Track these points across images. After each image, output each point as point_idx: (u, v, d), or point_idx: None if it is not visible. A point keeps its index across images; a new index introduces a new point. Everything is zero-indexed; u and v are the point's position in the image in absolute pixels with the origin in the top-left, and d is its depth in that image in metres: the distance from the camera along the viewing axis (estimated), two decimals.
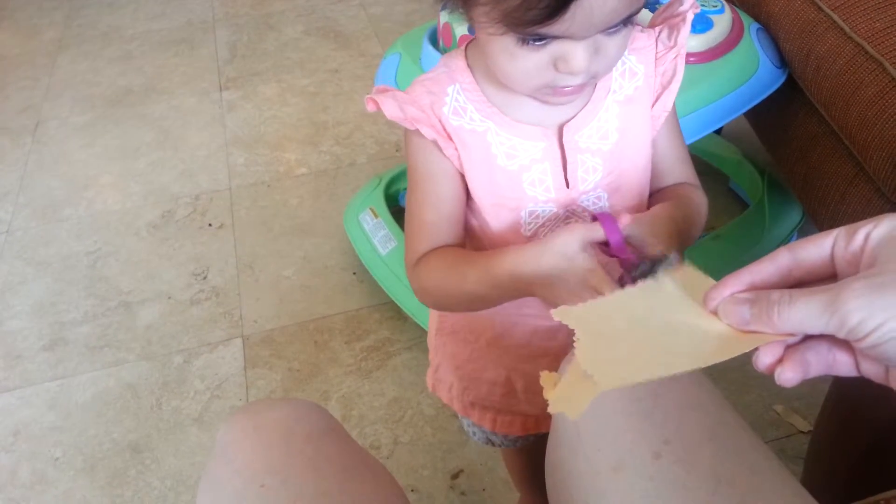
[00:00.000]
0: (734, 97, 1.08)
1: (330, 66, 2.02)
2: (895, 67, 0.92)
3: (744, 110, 1.10)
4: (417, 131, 0.56)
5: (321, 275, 1.38)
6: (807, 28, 1.07)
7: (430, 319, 0.75)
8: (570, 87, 0.50)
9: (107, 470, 1.10)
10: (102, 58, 2.17)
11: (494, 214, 0.58)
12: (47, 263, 1.48)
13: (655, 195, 0.61)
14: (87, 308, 1.36)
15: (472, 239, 0.63)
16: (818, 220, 1.11)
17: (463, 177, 0.58)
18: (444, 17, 1.16)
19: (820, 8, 1.05)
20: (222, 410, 1.16)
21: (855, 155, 1.00)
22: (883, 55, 0.94)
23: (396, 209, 1.39)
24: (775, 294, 0.36)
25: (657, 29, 0.58)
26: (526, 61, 0.48)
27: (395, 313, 1.26)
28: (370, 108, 0.56)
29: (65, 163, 1.76)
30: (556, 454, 0.53)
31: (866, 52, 0.96)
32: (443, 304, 0.62)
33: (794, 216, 1.30)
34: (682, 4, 0.56)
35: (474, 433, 0.79)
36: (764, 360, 0.38)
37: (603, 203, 0.59)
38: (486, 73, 0.56)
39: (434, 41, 1.19)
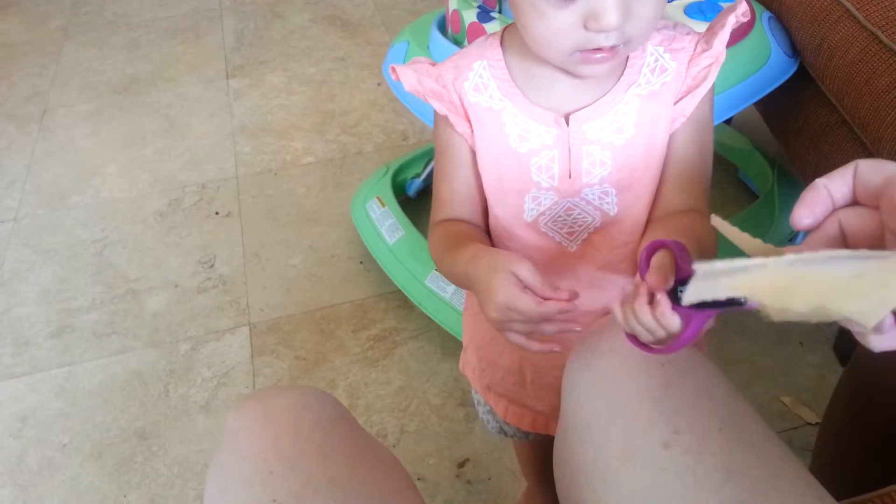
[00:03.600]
0: (745, 86, 1.07)
1: (337, 54, 2.01)
2: None
3: (755, 100, 1.09)
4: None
5: (328, 264, 1.38)
6: (819, 17, 1.05)
7: (466, 298, 0.76)
8: (602, 51, 0.49)
9: (114, 456, 1.10)
10: (109, 45, 2.17)
11: (500, 196, 0.58)
12: (54, 251, 1.48)
13: (662, 219, 0.57)
14: (95, 295, 1.37)
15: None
16: None
17: (475, 155, 0.58)
18: (452, 4, 1.15)
19: None
20: (229, 398, 1.16)
21: (867, 145, 0.99)
22: None
23: (404, 198, 1.39)
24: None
25: (700, 34, 0.56)
26: (555, 20, 0.47)
27: (402, 302, 1.26)
28: (392, 77, 0.57)
29: (71, 150, 1.76)
30: (566, 444, 0.52)
31: (880, 41, 0.95)
32: (440, 272, 0.64)
33: None
34: (731, 11, 0.54)
35: (488, 421, 0.79)
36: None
37: (610, 199, 0.57)
38: (518, 52, 0.56)
39: (442, 28, 1.18)
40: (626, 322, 0.42)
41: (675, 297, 0.40)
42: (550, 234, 0.59)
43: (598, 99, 0.55)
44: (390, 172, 1.41)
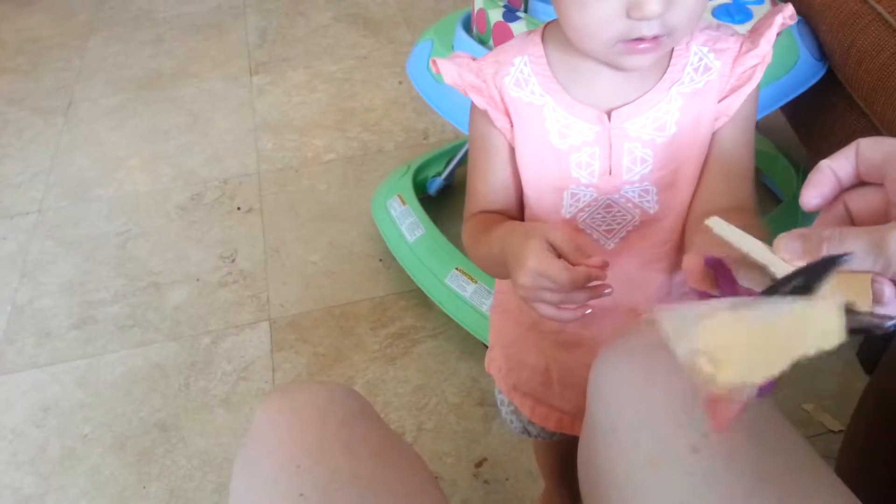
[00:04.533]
0: (772, 90, 1.06)
1: (359, 52, 2.02)
2: None
3: (782, 103, 1.08)
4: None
5: (347, 261, 1.39)
6: (849, 20, 1.04)
7: (495, 296, 0.76)
8: (645, 41, 0.48)
9: (135, 448, 1.11)
10: (134, 41, 2.19)
11: (537, 191, 0.58)
12: (77, 243, 1.49)
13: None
14: (117, 288, 1.38)
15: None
16: None
17: (513, 150, 0.58)
18: (478, 4, 1.15)
19: (865, 0, 1.03)
20: (248, 392, 1.17)
21: None
22: None
23: (424, 197, 1.39)
24: (827, 231, 0.35)
25: (745, 35, 0.55)
26: (597, 9, 0.47)
27: (421, 301, 1.26)
28: (433, 70, 0.57)
29: (95, 144, 1.78)
30: (591, 446, 0.52)
31: None
32: (476, 263, 0.63)
33: None
34: (777, 12, 0.54)
35: (512, 421, 0.79)
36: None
37: (651, 197, 0.57)
38: (559, 48, 0.56)
39: (467, 28, 1.18)
40: None
41: None
42: (588, 230, 0.59)
43: (640, 96, 0.55)
44: (411, 171, 1.41)
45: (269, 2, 2.31)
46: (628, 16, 0.47)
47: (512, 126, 0.57)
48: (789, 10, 0.54)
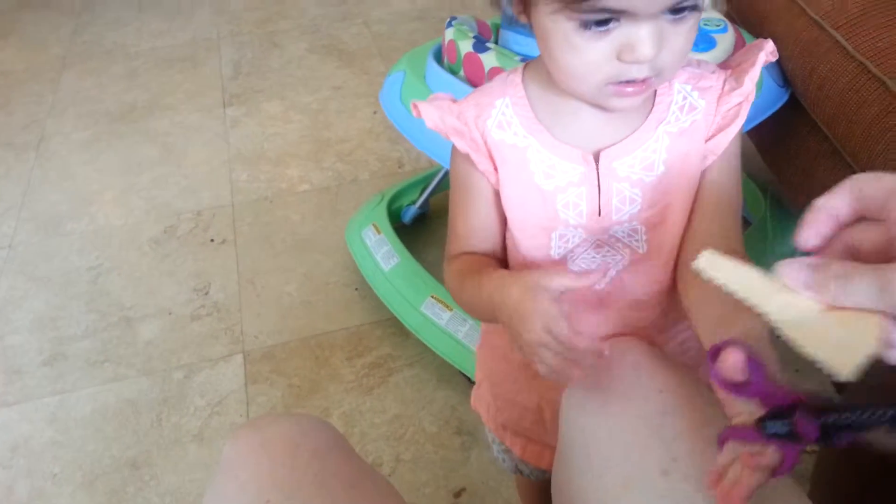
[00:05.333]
0: None
1: (333, 83, 2.03)
2: None
3: (748, 128, 1.10)
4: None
5: (323, 291, 1.38)
6: (809, 47, 1.07)
7: (482, 333, 0.75)
8: (634, 84, 0.48)
9: (105, 486, 1.09)
10: (107, 74, 2.19)
11: (525, 233, 0.58)
12: (48, 278, 1.47)
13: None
14: (88, 323, 1.36)
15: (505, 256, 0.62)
16: None
17: (497, 193, 0.58)
18: (449, 35, 1.16)
19: (822, 27, 1.06)
20: (222, 427, 1.15)
21: (858, 172, 1.00)
22: (886, 74, 0.94)
23: (399, 225, 1.39)
24: (835, 266, 0.35)
25: (727, 71, 0.55)
26: (588, 52, 0.47)
27: (397, 329, 1.26)
28: (414, 113, 0.57)
29: (68, 178, 1.76)
30: (565, 473, 0.52)
31: (869, 72, 0.96)
32: (461, 306, 0.62)
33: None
34: (759, 49, 0.54)
35: (504, 460, 0.77)
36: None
37: (639, 237, 0.56)
38: (541, 88, 0.55)
39: (439, 59, 1.20)
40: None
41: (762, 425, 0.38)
42: (578, 271, 0.57)
43: (626, 136, 0.54)
44: (386, 200, 1.42)
45: (243, 34, 2.33)
46: (619, 59, 0.46)
47: (496, 169, 0.57)
48: (770, 46, 0.54)
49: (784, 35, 1.13)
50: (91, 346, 1.31)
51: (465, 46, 1.12)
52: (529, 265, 0.59)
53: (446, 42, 1.17)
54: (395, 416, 1.14)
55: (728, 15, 1.34)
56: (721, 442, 0.40)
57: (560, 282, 0.49)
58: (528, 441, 0.71)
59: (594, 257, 0.58)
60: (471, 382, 1.14)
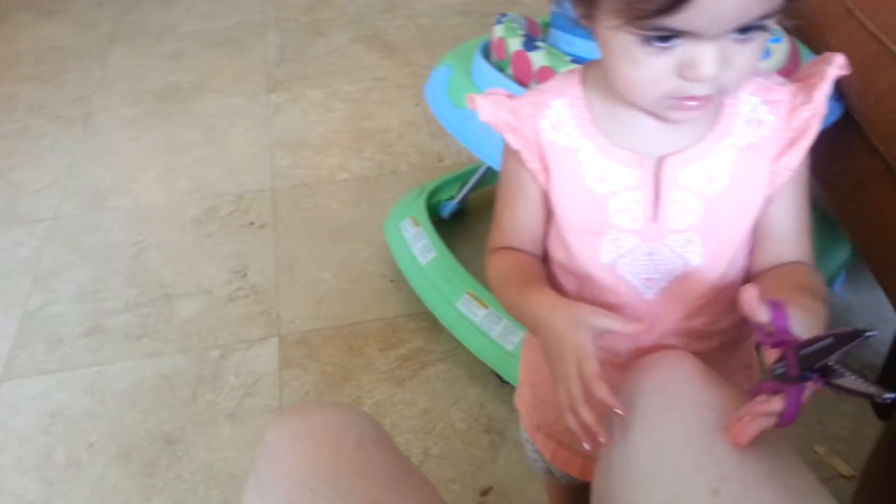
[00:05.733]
0: None
1: (376, 73, 2.04)
2: None
3: None
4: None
5: (358, 280, 1.39)
6: (867, 62, 1.05)
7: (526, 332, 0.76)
8: (695, 99, 0.48)
9: (139, 458, 1.11)
10: (154, 54, 2.22)
11: (575, 236, 0.58)
12: (91, 251, 1.50)
13: (772, 270, 0.56)
14: (129, 298, 1.39)
15: (548, 253, 0.62)
16: (870, 259, 1.09)
17: (544, 193, 0.58)
18: (498, 32, 1.16)
19: (882, 42, 1.03)
20: (255, 408, 1.17)
21: None
22: None
23: (437, 219, 1.40)
24: None
25: (796, 85, 0.54)
26: (649, 66, 0.46)
27: (431, 323, 1.27)
28: (469, 105, 0.58)
29: (113, 154, 1.79)
30: (606, 483, 0.52)
31: None
32: (498, 300, 0.63)
33: (842, 253, 1.28)
34: (828, 63, 0.53)
35: (536, 460, 0.77)
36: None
37: (695, 249, 0.56)
38: (600, 92, 0.55)
39: (486, 55, 1.20)
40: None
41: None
42: (627, 277, 0.57)
43: (691, 145, 0.54)
44: (426, 193, 1.42)
45: (289, 21, 2.34)
46: (681, 76, 0.46)
47: (546, 169, 0.57)
48: (840, 59, 0.53)
49: (841, 48, 1.10)
50: (131, 320, 1.34)
51: (515, 44, 1.11)
52: (580, 268, 0.59)
53: (495, 39, 1.16)
54: (424, 410, 1.15)
55: (783, 25, 1.32)
56: (753, 395, 0.46)
57: (605, 323, 0.51)
58: (559, 445, 0.70)
59: (644, 265, 0.57)
60: (502, 381, 1.15)
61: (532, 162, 0.57)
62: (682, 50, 0.45)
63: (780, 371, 0.43)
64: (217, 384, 1.21)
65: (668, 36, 0.44)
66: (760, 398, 0.45)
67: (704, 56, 0.44)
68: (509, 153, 0.59)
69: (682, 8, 0.42)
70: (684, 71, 0.45)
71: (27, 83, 2.11)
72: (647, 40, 0.45)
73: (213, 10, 2.43)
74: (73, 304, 1.38)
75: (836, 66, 0.53)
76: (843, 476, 1.01)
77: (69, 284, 1.43)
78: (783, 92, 0.54)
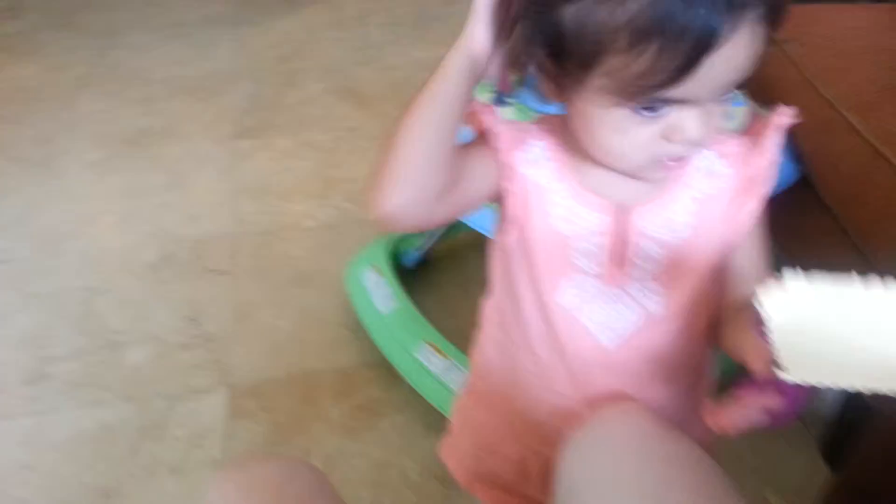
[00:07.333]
0: None
1: (347, 124, 2.05)
2: None
3: None
4: (496, 150, 0.55)
5: (316, 328, 1.36)
6: (822, 127, 1.08)
7: (467, 380, 0.73)
8: (676, 159, 0.49)
9: None
10: (124, 98, 2.21)
11: (540, 273, 0.57)
12: (40, 296, 1.45)
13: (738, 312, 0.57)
14: (75, 344, 1.34)
15: (512, 292, 0.60)
16: None
17: (491, 188, 0.56)
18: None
19: (836, 108, 1.06)
20: (201, 461, 1.12)
21: (866, 254, 0.99)
22: None
23: (400, 269, 1.38)
24: None
25: (748, 137, 0.56)
26: (637, 135, 0.47)
27: (388, 373, 1.23)
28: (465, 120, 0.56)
29: (73, 197, 1.76)
30: None
31: (881, 155, 0.96)
32: (401, 139, 0.53)
33: None
34: (778, 115, 0.55)
35: None
36: None
37: (656, 298, 0.56)
38: (572, 141, 0.55)
39: None
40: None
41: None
42: (587, 324, 0.57)
43: (655, 196, 0.55)
44: (389, 243, 1.41)
45: (262, 70, 2.36)
46: (667, 139, 0.47)
47: (516, 201, 0.56)
48: (788, 110, 0.55)
49: (797, 112, 1.14)
50: (75, 368, 1.29)
51: (483, 98, 1.12)
52: (543, 308, 0.58)
53: None
54: (377, 461, 1.11)
55: (742, 92, 1.36)
56: (741, 390, 0.43)
57: None
58: (505, 492, 0.69)
59: (607, 312, 0.57)
60: None
61: (510, 182, 0.55)
62: (670, 116, 0.46)
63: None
64: (161, 435, 1.16)
65: (657, 106, 0.46)
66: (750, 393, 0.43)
67: (692, 120, 0.46)
68: (484, 148, 0.56)
69: (683, 81, 0.43)
70: (671, 135, 0.47)
71: None
72: (636, 110, 0.46)
73: (187, 58, 2.43)
74: (16, 350, 1.33)
75: (785, 115, 0.55)
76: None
77: (13, 330, 1.37)
78: (736, 145, 0.56)
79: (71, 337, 1.35)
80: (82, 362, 1.30)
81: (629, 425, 0.52)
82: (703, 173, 0.55)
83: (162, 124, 2.06)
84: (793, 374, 0.37)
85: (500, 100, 1.12)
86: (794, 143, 1.14)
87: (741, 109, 1.12)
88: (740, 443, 0.37)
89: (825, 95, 1.10)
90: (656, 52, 0.42)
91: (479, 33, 0.49)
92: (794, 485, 1.05)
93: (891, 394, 0.36)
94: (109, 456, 1.13)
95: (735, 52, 0.43)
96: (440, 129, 0.50)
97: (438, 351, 1.15)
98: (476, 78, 0.50)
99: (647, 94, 0.44)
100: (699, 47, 0.41)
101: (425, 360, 1.14)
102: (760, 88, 1.28)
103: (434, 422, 1.15)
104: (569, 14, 0.45)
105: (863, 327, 0.39)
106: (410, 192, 0.51)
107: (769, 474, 1.07)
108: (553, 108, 1.21)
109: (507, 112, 1.09)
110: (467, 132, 0.57)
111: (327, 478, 0.56)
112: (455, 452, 0.72)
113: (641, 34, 0.42)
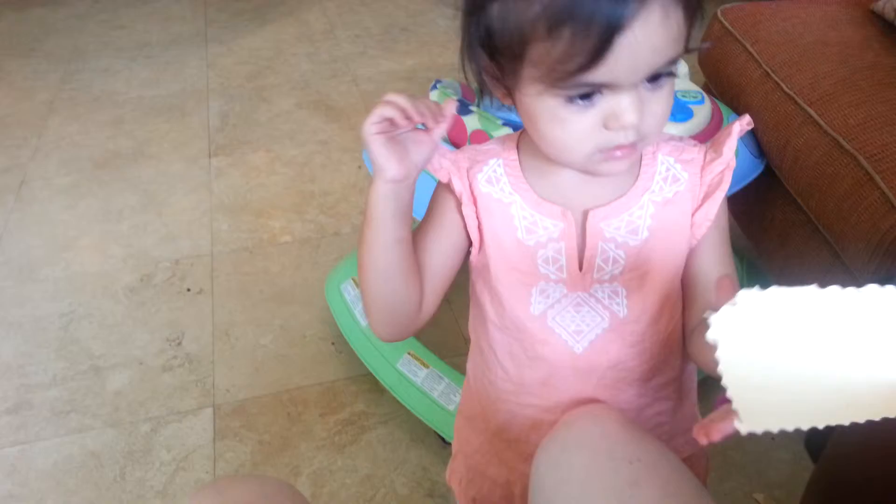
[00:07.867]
0: None
1: (319, 137, 2.05)
2: (869, 162, 0.95)
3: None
4: (448, 184, 0.58)
5: (298, 344, 1.36)
6: (784, 121, 1.11)
7: (461, 401, 0.74)
8: (622, 148, 0.50)
9: None
10: (93, 121, 2.19)
11: (507, 287, 0.59)
12: (19, 324, 1.44)
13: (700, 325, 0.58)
14: (56, 371, 1.33)
15: (480, 309, 0.62)
16: None
17: (464, 240, 0.59)
18: (433, 96, 1.19)
19: (797, 103, 1.09)
20: (187, 483, 1.11)
21: (832, 243, 1.02)
22: (857, 150, 0.97)
23: None
24: None
25: (707, 143, 0.59)
26: (576, 125, 0.49)
27: (373, 386, 1.24)
28: None
29: (46, 223, 1.75)
30: None
31: (841, 147, 0.99)
32: (364, 279, 0.59)
33: None
34: (736, 122, 0.57)
35: None
36: None
37: (620, 300, 0.58)
38: (531, 154, 0.58)
39: None
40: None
41: None
42: (557, 329, 0.59)
43: (614, 199, 0.57)
44: None
45: (233, 88, 2.35)
46: (606, 127, 0.49)
47: (479, 222, 0.58)
48: (746, 118, 0.57)
49: (759, 108, 1.17)
50: (57, 395, 1.28)
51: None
52: (515, 320, 0.59)
53: None
54: (366, 477, 1.11)
55: (706, 87, 1.39)
56: (718, 404, 0.44)
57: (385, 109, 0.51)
58: None
59: (574, 317, 0.58)
60: (445, 442, 1.12)
61: (467, 207, 0.58)
62: (603, 104, 0.48)
63: None
64: (147, 459, 1.15)
65: (589, 93, 0.47)
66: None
67: (625, 104, 0.47)
68: (441, 196, 0.60)
69: (601, 62, 0.44)
70: (609, 122, 0.48)
71: None
72: (571, 100, 0.48)
73: (155, 78, 2.42)
74: None
75: (742, 122, 0.57)
76: None
77: None
78: (695, 152, 0.58)
79: (52, 364, 1.34)
80: (65, 389, 1.29)
81: (597, 427, 0.53)
82: (662, 178, 0.57)
83: (133, 146, 2.05)
84: (750, 425, 0.37)
85: (464, 108, 1.14)
86: (758, 137, 1.17)
87: (702, 107, 1.14)
88: (725, 440, 0.38)
89: (785, 89, 1.12)
90: (570, 36, 0.44)
91: (383, 161, 0.52)
92: (780, 482, 1.07)
93: (847, 424, 0.37)
94: (96, 482, 1.12)
95: (648, 32, 0.44)
96: (387, 251, 0.55)
97: (419, 360, 1.16)
98: (407, 193, 0.55)
99: (571, 78, 0.46)
100: (610, 29, 0.43)
101: (407, 370, 1.15)
102: (722, 85, 1.31)
103: (419, 433, 1.16)
104: (494, 11, 0.48)
105: (816, 329, 0.39)
106: (391, 318, 0.59)
107: (755, 471, 1.09)
108: (513, 113, 1.23)
109: (471, 119, 1.11)
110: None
111: (304, 497, 0.56)
112: (455, 476, 0.73)
113: (556, 20, 0.44)
